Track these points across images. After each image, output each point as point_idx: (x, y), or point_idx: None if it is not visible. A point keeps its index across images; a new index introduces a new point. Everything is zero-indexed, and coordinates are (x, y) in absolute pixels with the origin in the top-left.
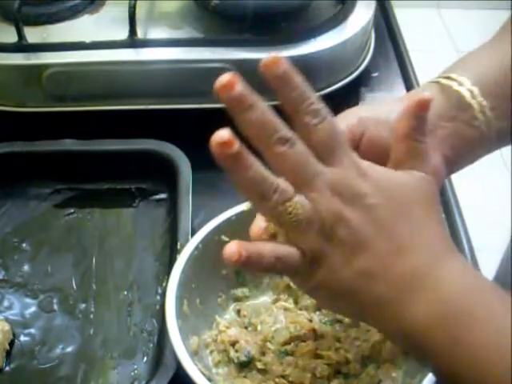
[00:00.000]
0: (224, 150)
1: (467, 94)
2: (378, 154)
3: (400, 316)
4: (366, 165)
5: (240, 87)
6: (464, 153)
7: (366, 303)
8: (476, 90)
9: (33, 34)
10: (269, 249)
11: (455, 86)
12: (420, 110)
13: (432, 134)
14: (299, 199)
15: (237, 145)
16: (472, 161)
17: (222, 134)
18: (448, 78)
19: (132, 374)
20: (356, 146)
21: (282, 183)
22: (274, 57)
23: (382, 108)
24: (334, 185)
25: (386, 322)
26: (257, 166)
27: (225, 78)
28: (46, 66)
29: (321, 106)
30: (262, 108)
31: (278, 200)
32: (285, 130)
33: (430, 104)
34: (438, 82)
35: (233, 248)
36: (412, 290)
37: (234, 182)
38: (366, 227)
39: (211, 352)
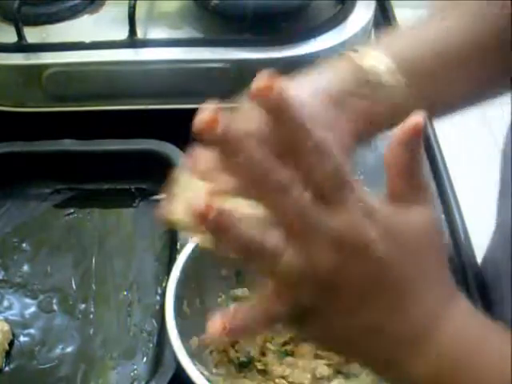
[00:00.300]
0: (202, 219)
1: (382, 70)
2: None
3: (405, 368)
4: (375, 203)
5: (222, 127)
6: (375, 129)
7: (366, 356)
8: (391, 66)
9: (32, 34)
10: (257, 317)
11: (369, 60)
12: (414, 137)
13: (342, 110)
14: (291, 257)
15: (214, 211)
16: (383, 132)
17: (198, 205)
18: (360, 52)
19: (132, 374)
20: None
21: (270, 239)
22: (267, 81)
23: (303, 90)
24: (335, 234)
25: (387, 371)
26: (238, 228)
27: (203, 118)
28: (46, 66)
29: (323, 138)
30: (252, 148)
31: (267, 264)
32: (281, 174)
33: (422, 128)
34: (349, 57)
35: (217, 325)
36: (418, 341)
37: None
38: (369, 283)
39: (211, 352)
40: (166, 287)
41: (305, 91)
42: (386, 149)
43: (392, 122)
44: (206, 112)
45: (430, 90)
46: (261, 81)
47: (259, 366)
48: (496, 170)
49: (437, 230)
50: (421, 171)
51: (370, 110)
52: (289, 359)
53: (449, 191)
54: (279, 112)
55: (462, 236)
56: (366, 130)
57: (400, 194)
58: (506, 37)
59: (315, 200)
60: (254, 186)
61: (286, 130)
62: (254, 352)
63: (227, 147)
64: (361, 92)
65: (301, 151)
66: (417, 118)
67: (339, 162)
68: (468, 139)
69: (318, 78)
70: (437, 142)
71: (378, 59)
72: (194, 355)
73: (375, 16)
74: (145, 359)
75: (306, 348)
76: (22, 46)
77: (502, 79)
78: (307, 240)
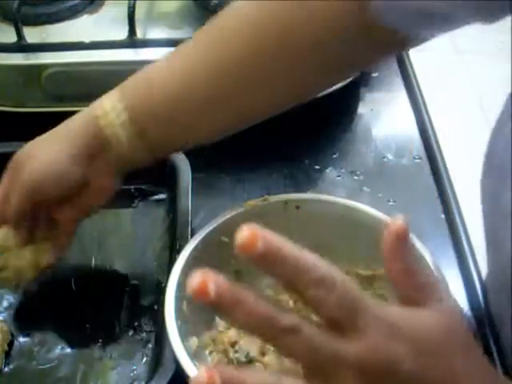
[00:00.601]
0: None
1: (116, 124)
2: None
3: None
4: (390, 315)
5: (214, 288)
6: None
7: None
8: (122, 116)
9: (32, 34)
10: None
11: (105, 118)
12: (401, 243)
13: (94, 163)
14: None
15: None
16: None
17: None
18: (98, 106)
19: (131, 374)
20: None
21: None
22: (249, 235)
23: (50, 157)
24: (358, 362)
25: None
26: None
27: (194, 282)
28: (46, 66)
29: (323, 271)
30: (250, 302)
31: None
32: (285, 318)
33: (407, 230)
34: (90, 117)
35: None
36: None
37: None
38: None
39: (210, 353)
40: (165, 287)
41: (59, 155)
42: (384, 257)
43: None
44: (195, 278)
45: (158, 132)
46: (243, 236)
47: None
48: None
49: (457, 322)
50: (420, 268)
51: (113, 157)
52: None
53: (449, 191)
54: (270, 262)
55: (463, 236)
56: (127, 168)
57: (409, 295)
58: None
59: (328, 330)
60: (262, 336)
61: (283, 274)
62: (254, 352)
63: (226, 304)
64: (100, 152)
65: (303, 289)
66: (397, 223)
67: (345, 287)
68: (468, 140)
69: (63, 141)
70: (437, 142)
71: (112, 113)
72: (193, 355)
73: None
74: (144, 360)
75: None
76: (21, 46)
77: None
78: (329, 374)
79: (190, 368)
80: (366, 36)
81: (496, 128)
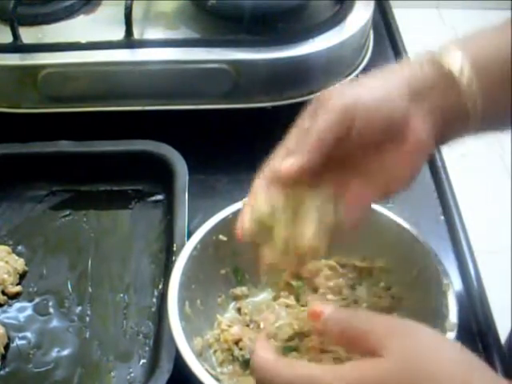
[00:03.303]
0: None
1: (456, 69)
2: (368, 144)
3: None
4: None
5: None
6: (447, 129)
7: None
8: (467, 67)
9: (28, 35)
10: None
11: (446, 58)
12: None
13: (419, 104)
14: None
15: None
16: (454, 138)
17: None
18: (442, 50)
19: (128, 377)
20: (344, 137)
21: None
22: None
23: (375, 86)
24: None
25: None
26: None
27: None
28: (42, 67)
29: None
30: None
31: None
32: None
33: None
34: (431, 53)
35: None
36: None
37: None
38: None
39: (215, 352)
40: (162, 289)
41: (387, 84)
42: None
43: (463, 124)
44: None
45: (503, 96)
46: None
47: None
48: (496, 172)
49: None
50: (346, 325)
51: (444, 107)
52: (293, 354)
53: (448, 193)
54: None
55: (462, 237)
56: (439, 127)
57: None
58: None
59: None
60: None
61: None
62: None
63: None
64: (439, 88)
65: None
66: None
67: None
68: (468, 140)
69: (401, 70)
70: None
71: (457, 59)
72: (199, 356)
73: (374, 16)
74: (141, 362)
75: (311, 343)
76: (17, 47)
77: None
78: None
79: (196, 367)
80: None
81: None
